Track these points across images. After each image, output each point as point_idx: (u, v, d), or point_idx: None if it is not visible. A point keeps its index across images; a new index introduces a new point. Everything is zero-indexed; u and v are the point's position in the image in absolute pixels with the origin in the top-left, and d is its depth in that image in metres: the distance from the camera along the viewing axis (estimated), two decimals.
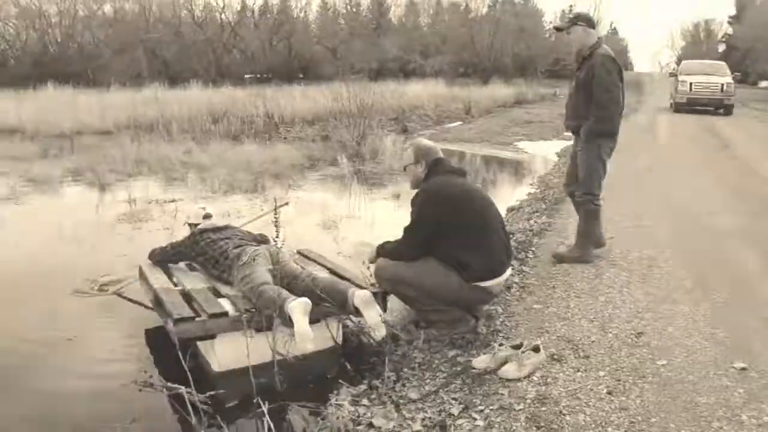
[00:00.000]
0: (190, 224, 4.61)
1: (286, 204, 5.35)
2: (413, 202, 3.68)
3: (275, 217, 3.43)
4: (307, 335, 3.25)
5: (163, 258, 4.39)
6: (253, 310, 3.49)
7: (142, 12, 56.10)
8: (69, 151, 12.82)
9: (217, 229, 4.38)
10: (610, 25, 69.08)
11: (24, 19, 54.99)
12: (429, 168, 3.72)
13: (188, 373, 2.71)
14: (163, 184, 9.38)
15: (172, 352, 3.49)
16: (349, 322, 3.91)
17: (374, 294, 3.59)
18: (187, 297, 3.73)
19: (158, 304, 3.74)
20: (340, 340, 3.77)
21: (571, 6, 53.65)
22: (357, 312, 3.50)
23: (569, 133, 5.13)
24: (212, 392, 2.73)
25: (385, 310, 3.73)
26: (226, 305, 3.59)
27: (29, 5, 54.26)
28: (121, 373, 3.55)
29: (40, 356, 3.85)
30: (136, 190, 8.45)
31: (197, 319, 3.42)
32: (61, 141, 14.24)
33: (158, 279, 4.08)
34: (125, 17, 56.34)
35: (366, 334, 3.73)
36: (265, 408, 2.36)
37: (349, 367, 3.54)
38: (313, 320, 3.46)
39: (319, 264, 4.40)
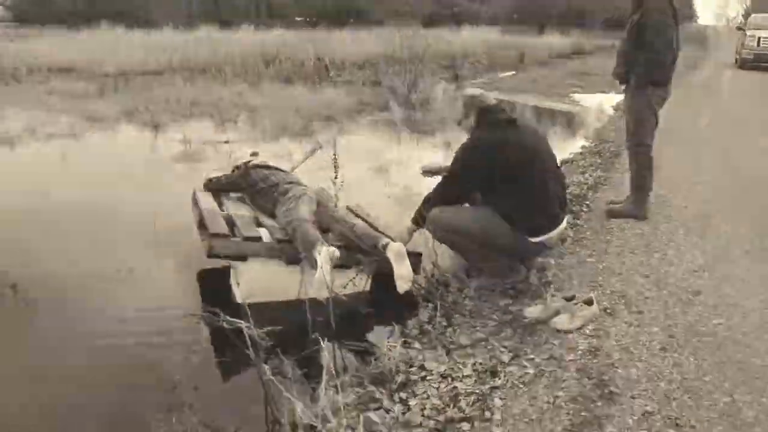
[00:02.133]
0: (242, 164, 4.73)
1: (320, 147, 5.42)
2: (458, 149, 3.62)
3: (335, 159, 3.47)
4: (322, 283, 3.33)
5: (217, 186, 4.59)
6: (288, 242, 3.62)
7: None
8: (123, 90, 13.02)
9: (269, 167, 4.55)
10: None
11: None
12: (476, 117, 3.60)
13: (246, 308, 2.78)
14: (217, 126, 9.48)
15: (227, 287, 3.61)
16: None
17: (409, 254, 3.62)
18: (230, 221, 3.92)
19: (202, 225, 3.92)
20: (368, 287, 3.85)
21: None
22: (387, 262, 3.56)
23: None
24: (270, 327, 2.80)
25: (416, 272, 3.75)
26: (263, 233, 3.78)
27: None
28: (179, 306, 3.67)
29: (99, 289, 4.00)
30: (191, 130, 8.56)
31: (232, 238, 3.60)
32: (116, 80, 14.46)
33: (207, 203, 4.26)
34: None
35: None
36: (323, 345, 2.42)
37: (393, 310, 3.60)
38: (344, 266, 3.60)
39: (355, 213, 4.44)
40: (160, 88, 12.74)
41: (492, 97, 3.75)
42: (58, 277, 4.12)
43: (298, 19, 46.20)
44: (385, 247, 3.60)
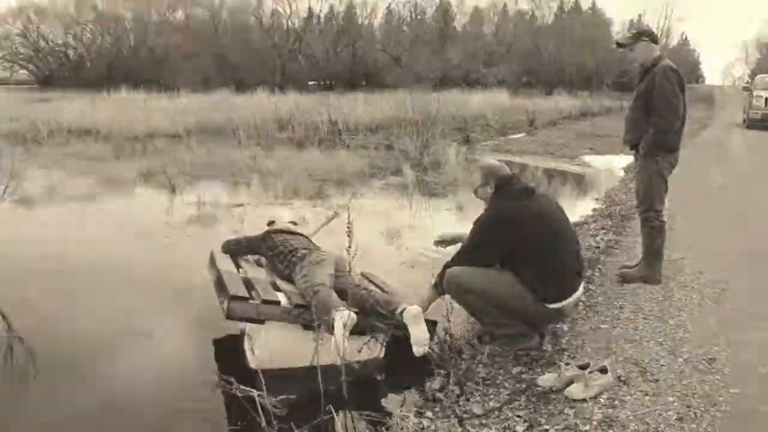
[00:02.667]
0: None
1: (337, 215, 5.48)
2: (477, 221, 3.69)
3: (348, 227, 3.53)
4: (337, 347, 3.35)
5: (238, 247, 4.65)
6: (305, 307, 3.65)
7: (212, 18, 57.76)
8: (141, 153, 13.29)
9: (290, 232, 4.62)
10: (681, 36, 67.36)
11: (100, 24, 57.35)
12: (495, 188, 3.68)
13: (260, 375, 2.78)
14: (230, 188, 9.62)
15: (242, 353, 3.62)
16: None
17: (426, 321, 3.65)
18: (248, 283, 3.95)
19: (220, 285, 3.94)
20: (382, 354, 3.85)
21: (639, 15, 52.58)
22: (404, 327, 3.58)
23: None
24: (283, 396, 2.80)
25: (432, 338, 3.74)
26: (281, 297, 3.80)
27: (106, 10, 56.57)
28: (192, 372, 3.67)
29: (112, 351, 4.01)
30: (205, 193, 8.70)
31: (250, 301, 3.62)
32: (134, 143, 14.79)
33: (224, 263, 4.31)
34: (196, 23, 58.16)
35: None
36: (336, 415, 2.41)
37: (405, 378, 3.59)
38: (359, 332, 3.61)
39: (371, 281, 4.47)
40: (177, 151, 13.00)
41: (505, 167, 3.82)
42: (74, 339, 4.15)
43: (312, 83, 47.27)
44: (402, 311, 3.62)
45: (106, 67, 49.83)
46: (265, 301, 3.68)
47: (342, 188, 9.67)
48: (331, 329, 3.45)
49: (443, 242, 4.29)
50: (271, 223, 4.95)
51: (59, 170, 10.82)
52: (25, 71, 62.57)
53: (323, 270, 3.98)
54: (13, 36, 60.78)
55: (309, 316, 3.63)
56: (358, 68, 53.81)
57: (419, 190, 9.74)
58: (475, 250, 3.66)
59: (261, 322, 3.65)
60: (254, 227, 5.08)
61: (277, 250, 4.37)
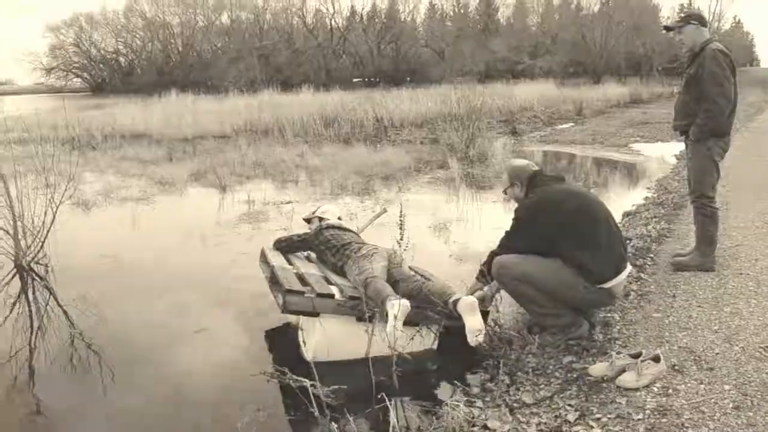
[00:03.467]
0: (310, 219, 4.98)
1: (385, 211, 5.52)
2: (516, 210, 3.74)
3: (400, 220, 3.58)
4: (392, 335, 3.41)
5: (289, 244, 4.73)
6: (359, 299, 3.73)
7: (256, 21, 58.56)
8: (191, 154, 13.60)
9: (341, 227, 4.71)
10: (734, 18, 65.21)
11: (149, 31, 58.84)
12: (526, 186, 3.76)
13: (313, 366, 2.84)
14: (279, 186, 9.78)
15: (295, 345, 3.69)
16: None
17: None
18: (301, 278, 4.04)
19: (273, 280, 4.04)
20: (435, 345, 3.89)
21: (690, 0, 51.12)
22: (459, 317, 3.60)
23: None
24: (336, 386, 2.85)
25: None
26: (334, 291, 3.88)
27: (154, 18, 57.99)
28: (247, 365, 3.77)
29: (169, 347, 4.16)
30: (254, 191, 8.87)
31: (306, 294, 3.69)
32: (184, 144, 15.14)
33: (277, 259, 4.41)
34: (240, 26, 59.08)
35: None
36: (389, 404, 2.44)
37: (455, 368, 3.61)
38: (412, 323, 3.66)
39: (421, 275, 4.49)
40: (226, 151, 13.27)
41: (532, 164, 3.89)
42: (133, 335, 4.31)
43: (356, 80, 47.47)
44: (456, 302, 3.65)
45: (156, 72, 51.14)
46: (319, 295, 3.76)
47: (388, 183, 9.72)
48: (385, 318, 3.51)
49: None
50: (311, 217, 5.02)
51: (114, 173, 11.17)
52: (78, 79, 64.69)
53: (376, 262, 4.06)
54: (66, 46, 62.92)
55: (363, 308, 3.69)
56: (402, 64, 53.81)
57: (466, 184, 9.71)
58: (518, 236, 3.68)
59: (316, 314, 3.72)
60: (302, 225, 5.16)
61: (329, 244, 4.46)
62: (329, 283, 4.07)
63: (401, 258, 4.41)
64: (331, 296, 3.79)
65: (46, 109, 22.28)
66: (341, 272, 4.26)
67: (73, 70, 64.25)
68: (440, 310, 3.73)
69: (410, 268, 4.54)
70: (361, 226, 5.35)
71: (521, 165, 3.88)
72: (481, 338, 3.57)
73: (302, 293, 3.74)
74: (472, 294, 3.82)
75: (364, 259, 4.11)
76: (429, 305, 3.78)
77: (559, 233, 3.52)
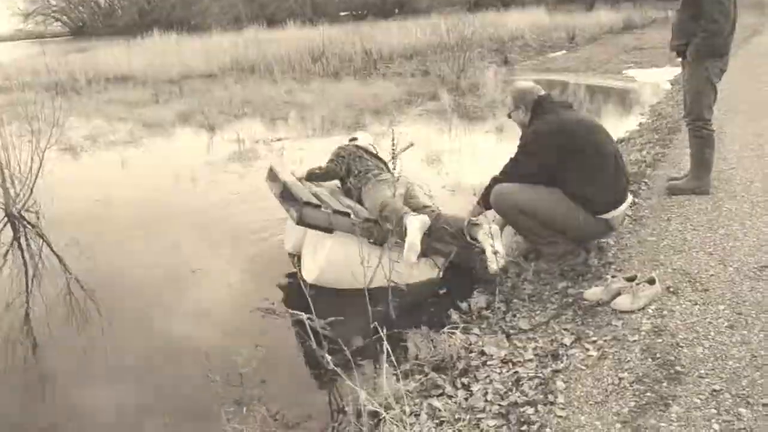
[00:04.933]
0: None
1: (412, 145, 5.36)
2: (523, 136, 3.64)
3: (392, 151, 3.56)
4: (414, 247, 3.50)
5: (339, 175, 4.47)
6: (374, 221, 3.76)
7: None
8: (178, 94, 13.35)
9: (368, 151, 4.62)
10: None
11: None
12: (532, 109, 3.64)
13: (309, 299, 2.84)
14: (268, 124, 9.66)
15: (291, 280, 3.69)
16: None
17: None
18: (316, 196, 4.00)
19: (285, 195, 3.99)
20: (440, 275, 3.91)
21: None
22: (476, 243, 3.63)
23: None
24: (332, 318, 2.86)
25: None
26: (349, 211, 3.88)
27: None
28: (244, 301, 3.78)
29: (165, 287, 4.16)
30: (243, 130, 8.74)
31: (323, 209, 3.70)
32: (170, 86, 14.84)
33: (289, 176, 4.32)
34: None
35: (480, 267, 3.75)
36: (383, 333, 2.45)
37: (452, 298, 3.64)
38: (421, 254, 3.66)
39: None
40: (213, 91, 13.04)
41: (538, 87, 3.75)
42: (130, 278, 4.31)
43: (343, 14, 46.37)
44: (473, 229, 3.68)
45: (137, 12, 49.67)
46: (336, 211, 3.75)
47: (380, 117, 9.60)
48: (403, 234, 3.54)
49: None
50: (353, 139, 4.93)
51: (100, 117, 10.97)
52: (58, 23, 62.97)
53: (394, 189, 4.07)
54: None
55: (377, 230, 3.68)
56: None
57: (458, 115, 9.59)
58: (524, 162, 3.59)
59: (330, 231, 3.72)
60: (293, 160, 5.09)
61: (355, 169, 4.38)
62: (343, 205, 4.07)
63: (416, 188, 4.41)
64: (347, 214, 3.78)
65: (26, 56, 21.76)
66: (358, 196, 4.25)
67: (52, 14, 62.47)
68: (453, 236, 3.76)
69: None
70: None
71: (526, 87, 3.73)
72: (502, 263, 3.58)
73: (319, 207, 3.73)
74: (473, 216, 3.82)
75: (385, 183, 4.12)
76: (443, 234, 3.80)
77: (565, 162, 3.46)
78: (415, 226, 3.58)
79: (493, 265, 3.55)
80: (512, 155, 3.67)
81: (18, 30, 62.51)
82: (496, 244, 3.60)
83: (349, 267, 3.59)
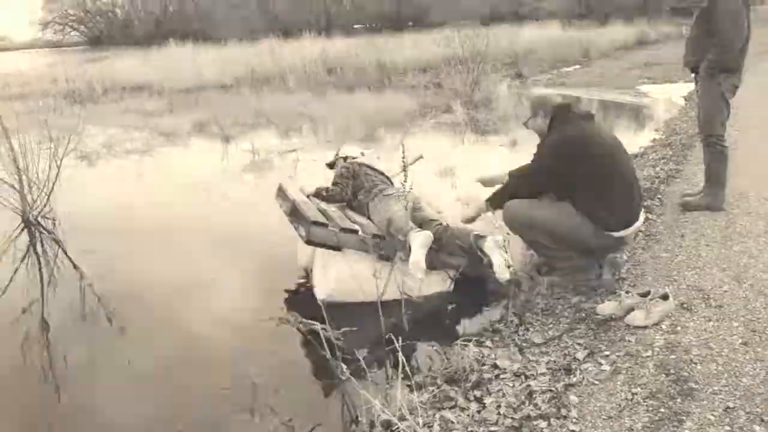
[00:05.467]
0: (343, 158, 4.86)
1: (422, 157, 5.37)
2: (540, 145, 3.63)
3: (403, 163, 3.58)
4: (418, 264, 3.51)
5: (342, 196, 4.41)
6: (382, 237, 3.79)
7: None
8: (193, 104, 13.47)
9: (372, 168, 4.63)
10: None
11: None
12: (551, 117, 3.60)
13: (323, 309, 2.86)
14: (282, 135, 9.71)
15: (305, 291, 3.72)
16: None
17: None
18: (323, 213, 4.04)
19: (294, 213, 4.03)
20: (451, 288, 3.92)
21: None
22: (483, 255, 3.62)
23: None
24: (346, 328, 2.88)
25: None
26: (357, 228, 3.91)
27: None
28: (258, 311, 3.80)
29: (179, 295, 4.19)
30: (257, 140, 8.82)
31: (330, 227, 3.74)
32: (185, 96, 14.98)
33: (298, 194, 4.36)
34: None
35: (491, 279, 3.75)
36: (398, 345, 2.47)
37: (465, 310, 3.66)
38: (430, 266, 3.69)
39: None
40: (228, 101, 13.15)
41: (556, 95, 3.76)
42: (144, 287, 4.33)
43: (357, 26, 46.64)
44: (481, 239, 3.70)
45: (154, 22, 50.27)
46: (343, 229, 3.80)
47: (393, 129, 9.62)
48: (407, 253, 3.58)
49: (483, 184, 4.23)
50: (334, 160, 4.94)
51: (116, 126, 11.07)
52: (76, 33, 63.71)
53: (401, 203, 4.07)
54: None
55: (385, 247, 3.71)
56: (405, 8, 52.62)
57: (471, 128, 9.61)
58: (538, 171, 3.58)
59: (338, 249, 3.77)
60: (308, 172, 5.12)
61: (361, 185, 4.41)
62: (350, 220, 4.10)
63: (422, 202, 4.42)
64: (355, 232, 3.83)
65: (44, 64, 22.03)
66: (365, 211, 4.28)
67: (70, 24, 63.25)
68: (462, 249, 3.78)
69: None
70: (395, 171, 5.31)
71: (546, 95, 3.76)
72: (507, 275, 3.59)
73: (326, 225, 3.77)
74: (474, 214, 3.84)
75: (391, 198, 4.14)
76: (451, 247, 3.83)
77: (579, 176, 3.42)
78: (418, 242, 3.59)
79: (503, 275, 3.56)
80: (530, 164, 3.67)
81: (36, 39, 63.32)
82: (503, 254, 3.61)
83: (358, 283, 3.61)
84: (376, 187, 4.33)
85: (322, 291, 3.77)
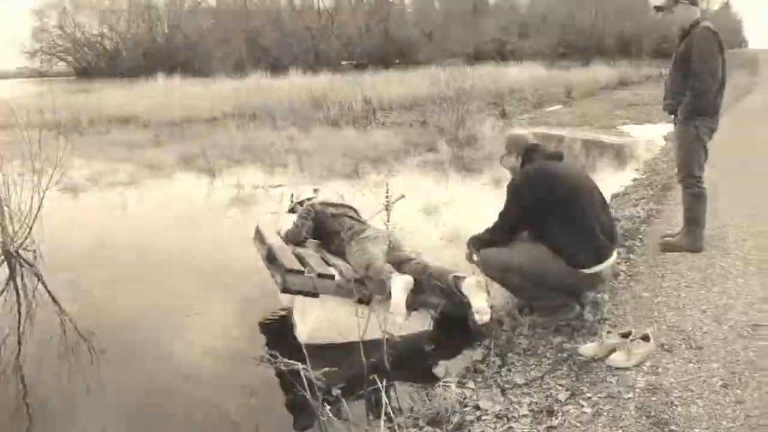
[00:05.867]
0: (299, 202, 4.87)
1: (403, 197, 5.39)
2: (507, 189, 3.69)
3: (386, 202, 3.59)
4: (399, 308, 3.51)
5: (297, 236, 4.40)
6: (360, 281, 3.74)
7: (243, 2, 57.91)
8: (179, 138, 13.50)
9: (334, 205, 4.64)
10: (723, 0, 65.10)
11: (133, 13, 58.13)
12: (523, 156, 3.70)
13: (305, 350, 2.85)
14: (268, 170, 9.74)
15: (286, 329, 3.70)
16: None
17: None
18: (299, 258, 4.00)
19: (271, 259, 4.01)
20: (431, 327, 3.91)
21: None
22: (462, 297, 3.60)
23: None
24: (327, 369, 2.86)
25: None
26: (334, 272, 3.88)
27: None
28: (238, 348, 3.77)
29: (159, 331, 4.15)
30: (243, 175, 8.84)
31: (306, 274, 3.68)
32: (172, 128, 15.02)
33: (274, 237, 4.35)
34: (227, 7, 58.43)
35: (471, 320, 3.75)
36: (381, 386, 2.46)
37: (446, 350, 3.65)
38: (410, 308, 3.69)
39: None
40: (214, 135, 13.19)
41: (531, 135, 3.84)
42: (125, 321, 4.29)
43: (345, 62, 47.19)
44: (459, 281, 3.70)
45: (142, 55, 50.54)
46: (320, 275, 3.75)
47: (378, 166, 9.69)
48: (388, 295, 3.57)
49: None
50: (316, 190, 4.97)
51: (101, 158, 11.06)
52: (63, 63, 63.86)
53: (378, 245, 4.07)
54: (50, 29, 62.03)
55: (363, 290, 3.69)
56: (391, 46, 53.42)
57: (455, 166, 9.70)
58: (507, 208, 3.64)
59: (315, 295, 3.72)
60: (323, 197, 5.11)
61: (332, 229, 4.40)
62: (328, 264, 4.07)
63: (400, 241, 4.42)
64: (332, 277, 3.79)
65: (30, 94, 22.01)
66: (340, 254, 4.26)
67: (58, 54, 63.41)
68: (442, 290, 3.77)
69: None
70: (374, 211, 5.33)
71: (520, 134, 3.84)
72: (487, 318, 3.59)
73: (302, 272, 3.73)
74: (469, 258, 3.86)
75: (367, 241, 4.11)
76: (431, 287, 3.81)
77: (548, 212, 3.49)
78: (399, 287, 3.59)
79: (482, 318, 3.57)
80: (501, 210, 3.71)
81: (23, 68, 63.31)
82: (482, 296, 3.63)
83: (337, 328, 3.60)
84: (351, 230, 4.31)
85: (301, 335, 3.74)
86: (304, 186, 5.27)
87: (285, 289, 3.71)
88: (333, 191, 4.98)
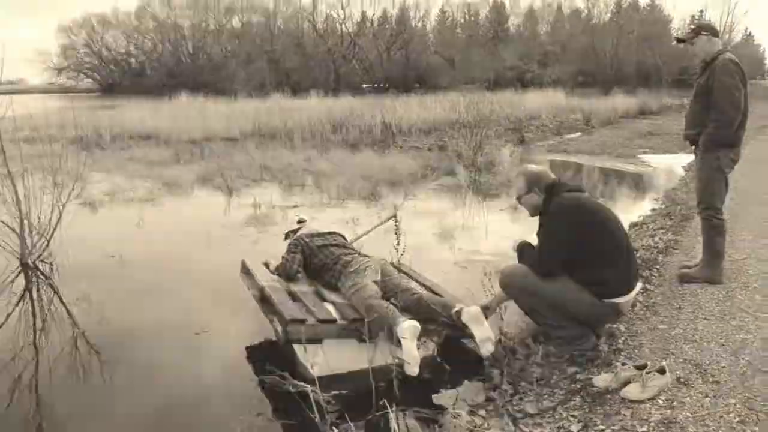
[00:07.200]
0: (289, 232, 4.85)
1: (394, 217, 5.36)
2: (544, 224, 3.63)
3: (396, 226, 3.56)
4: (415, 360, 3.36)
5: (290, 272, 4.31)
6: (360, 320, 3.60)
7: (267, 24, 58.85)
8: (199, 156, 13.63)
9: (321, 235, 4.57)
10: (745, 31, 64.97)
11: (160, 33, 59.26)
12: (546, 192, 3.65)
13: (313, 372, 2.83)
14: (285, 190, 9.78)
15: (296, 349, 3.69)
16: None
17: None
18: (292, 295, 3.93)
19: (265, 300, 3.93)
20: (435, 353, 3.83)
21: (701, 12, 51.10)
22: (464, 327, 3.56)
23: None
24: (336, 392, 2.84)
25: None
26: (332, 311, 3.76)
27: (165, 20, 58.41)
28: (248, 368, 3.76)
29: (171, 348, 4.16)
30: (261, 195, 8.87)
31: (307, 322, 3.56)
32: (192, 147, 15.17)
33: (264, 275, 4.26)
34: (251, 30, 59.39)
35: (475, 349, 3.69)
36: (391, 411, 2.43)
37: (457, 377, 3.60)
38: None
39: (415, 280, 4.39)
40: (234, 154, 13.30)
41: (549, 171, 3.79)
42: (135, 337, 4.30)
43: (365, 86, 47.61)
44: (459, 312, 3.62)
45: (166, 73, 51.41)
46: (321, 321, 3.63)
47: (395, 189, 9.71)
48: (397, 343, 3.44)
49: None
50: (301, 221, 4.94)
51: (121, 174, 11.19)
52: (89, 80, 65.15)
53: (369, 277, 3.96)
54: (78, 46, 63.40)
55: (366, 330, 3.60)
56: (412, 71, 53.87)
57: (473, 191, 9.69)
58: (553, 249, 3.53)
59: (319, 341, 3.59)
60: (308, 229, 5.12)
61: (317, 259, 4.32)
62: (322, 299, 3.97)
63: (399, 263, 4.36)
64: (333, 321, 3.67)
65: (55, 109, 22.38)
66: (333, 287, 4.15)
67: (84, 71, 64.70)
68: (443, 321, 3.70)
69: (403, 272, 4.48)
70: (367, 229, 5.32)
71: (541, 171, 3.74)
72: (492, 347, 3.54)
73: (303, 321, 3.57)
74: (496, 303, 3.79)
75: (358, 275, 3.98)
76: (430, 317, 3.73)
77: (583, 245, 3.44)
78: (408, 335, 3.43)
79: (486, 349, 3.53)
80: (538, 245, 3.61)
81: (50, 83, 64.62)
82: (484, 325, 3.57)
83: (343, 363, 3.52)
84: (339, 263, 4.19)
85: (307, 369, 3.58)
86: (326, 209, 5.24)
87: (288, 341, 3.54)
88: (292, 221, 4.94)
